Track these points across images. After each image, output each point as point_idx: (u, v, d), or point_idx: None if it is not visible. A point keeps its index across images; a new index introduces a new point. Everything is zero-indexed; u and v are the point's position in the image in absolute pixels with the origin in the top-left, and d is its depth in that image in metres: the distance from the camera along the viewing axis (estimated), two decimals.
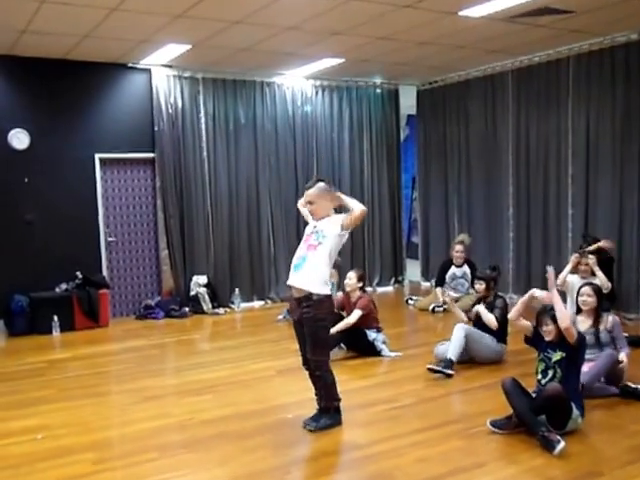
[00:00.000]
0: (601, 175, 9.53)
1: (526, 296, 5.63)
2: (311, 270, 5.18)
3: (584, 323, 6.23)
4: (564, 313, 5.13)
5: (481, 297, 7.38)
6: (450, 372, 6.73)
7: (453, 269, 10.34)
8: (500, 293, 7.69)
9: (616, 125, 9.29)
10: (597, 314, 6.22)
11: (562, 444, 4.70)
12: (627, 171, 9.18)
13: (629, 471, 4.44)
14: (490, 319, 7.07)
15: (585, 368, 6.00)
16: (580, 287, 6.40)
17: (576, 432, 5.09)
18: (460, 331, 7.01)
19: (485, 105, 11.36)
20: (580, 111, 9.76)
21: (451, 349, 6.90)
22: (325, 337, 5.39)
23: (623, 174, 9.23)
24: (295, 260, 5.35)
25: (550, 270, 5.31)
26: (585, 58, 9.62)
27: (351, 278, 7.91)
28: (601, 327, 6.17)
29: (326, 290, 5.22)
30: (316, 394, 5.51)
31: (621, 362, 6.04)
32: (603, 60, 9.39)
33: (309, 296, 5.17)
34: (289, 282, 5.35)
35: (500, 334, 7.13)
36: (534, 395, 5.20)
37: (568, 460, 4.65)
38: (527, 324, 5.52)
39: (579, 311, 6.35)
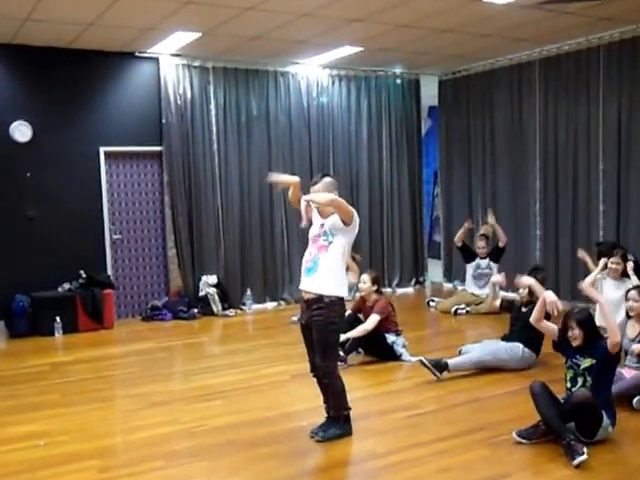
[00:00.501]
0: (634, 170, 9.48)
1: (540, 299, 5.55)
2: (325, 273, 5.15)
3: (634, 328, 6.14)
4: (613, 326, 5.09)
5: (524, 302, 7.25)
6: (437, 375, 6.78)
7: (477, 260, 10.46)
8: None
9: None
10: None
11: (584, 457, 4.66)
12: None
13: None
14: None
15: (625, 374, 5.99)
16: (627, 291, 6.30)
17: (607, 441, 5.06)
18: (476, 354, 7.06)
19: (511, 96, 11.33)
20: (611, 103, 9.72)
21: (458, 359, 6.94)
22: (335, 342, 5.37)
23: None
24: (306, 263, 5.29)
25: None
26: (617, 47, 9.58)
27: (365, 282, 7.89)
28: None
29: (340, 292, 5.20)
30: (325, 402, 5.50)
31: None
32: (636, 49, 9.35)
33: (320, 298, 5.13)
34: (301, 287, 5.33)
35: (536, 343, 7.04)
36: (563, 402, 5.17)
37: (598, 471, 4.63)
38: (552, 327, 5.50)
39: (628, 316, 6.25)
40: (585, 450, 4.73)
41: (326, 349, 5.23)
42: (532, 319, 5.57)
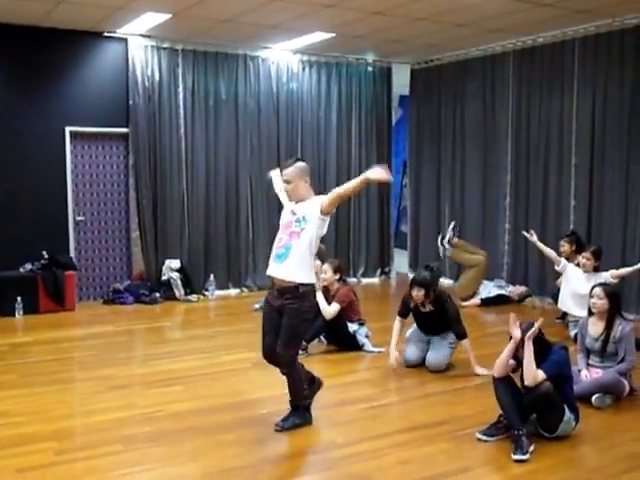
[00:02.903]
0: (606, 165, 9.55)
1: (511, 344, 5.17)
2: (297, 259, 5.12)
3: (595, 326, 6.11)
4: (530, 371, 4.96)
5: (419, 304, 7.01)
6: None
7: None
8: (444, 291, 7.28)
9: (624, 113, 9.31)
10: (610, 319, 6.03)
11: (526, 457, 4.71)
12: (634, 162, 9.21)
13: None
14: (466, 345, 6.92)
15: (587, 375, 6.03)
16: (592, 287, 6.26)
17: (569, 438, 5.11)
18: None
19: (484, 87, 11.36)
20: (585, 97, 9.77)
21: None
22: (303, 332, 5.42)
23: (630, 165, 9.26)
24: (277, 250, 5.27)
25: (536, 325, 5.07)
26: (592, 41, 9.63)
27: (326, 272, 7.80)
28: (612, 335, 5.99)
29: (312, 279, 5.22)
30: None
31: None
32: (611, 44, 9.40)
33: (296, 287, 5.11)
34: (270, 273, 5.28)
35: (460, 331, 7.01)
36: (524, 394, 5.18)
37: (557, 468, 4.68)
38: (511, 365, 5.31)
39: (590, 313, 6.24)
40: (531, 450, 4.79)
41: (292, 338, 5.21)
42: (497, 373, 5.17)
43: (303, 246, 5.14)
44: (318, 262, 7.87)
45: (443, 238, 10.82)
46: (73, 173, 10.23)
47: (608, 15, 9.09)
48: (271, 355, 5.33)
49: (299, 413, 5.40)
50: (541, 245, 8.57)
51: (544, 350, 5.13)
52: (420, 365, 6.97)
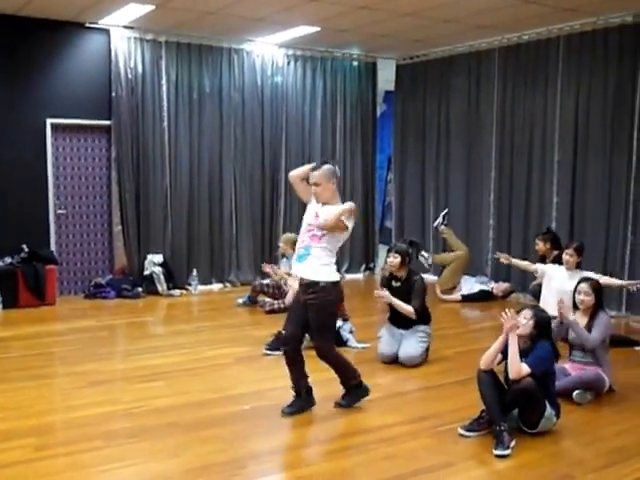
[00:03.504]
0: (589, 162, 9.62)
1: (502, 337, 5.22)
2: (316, 261, 5.39)
3: (580, 320, 6.15)
4: (514, 364, 5.02)
5: (392, 275, 7.15)
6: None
7: None
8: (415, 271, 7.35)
9: (607, 110, 9.38)
10: (593, 313, 6.11)
11: (507, 452, 4.75)
12: (616, 159, 9.29)
13: (603, 475, 4.49)
14: (408, 311, 6.95)
15: (570, 369, 6.09)
16: (578, 282, 6.31)
17: (550, 433, 5.15)
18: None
19: (469, 84, 11.40)
20: (569, 94, 9.84)
21: None
22: (332, 323, 5.73)
23: (612, 162, 9.35)
24: (298, 250, 5.53)
25: (509, 313, 5.12)
26: (577, 39, 9.70)
27: None
28: (593, 327, 6.04)
29: (333, 277, 5.47)
30: (292, 380, 5.65)
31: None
32: (595, 42, 9.47)
33: (316, 283, 5.38)
34: (294, 271, 5.65)
35: (426, 316, 7.15)
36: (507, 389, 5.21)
37: (540, 463, 4.72)
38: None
39: (576, 307, 6.28)
40: (512, 445, 4.83)
41: (323, 330, 5.51)
42: (485, 365, 5.22)
43: (322, 248, 5.41)
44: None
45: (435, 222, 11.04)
46: (54, 166, 10.18)
47: (592, 13, 9.15)
48: (289, 346, 5.61)
49: (352, 390, 5.71)
50: (515, 262, 8.69)
51: (535, 342, 5.20)
52: (395, 361, 7.00)
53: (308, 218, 5.53)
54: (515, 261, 8.66)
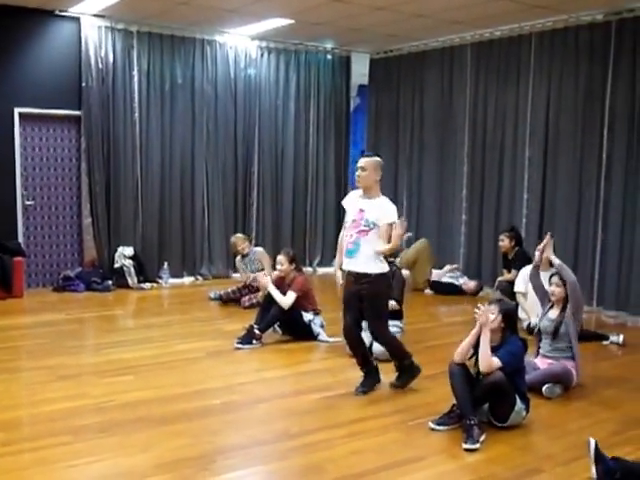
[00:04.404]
0: (560, 159, 9.71)
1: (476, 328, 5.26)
2: (366, 255, 5.75)
3: (553, 312, 6.28)
4: (486, 358, 5.07)
5: None
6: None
7: None
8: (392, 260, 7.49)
9: (578, 107, 9.46)
10: (565, 304, 6.22)
11: (476, 446, 4.81)
12: (587, 156, 9.38)
13: (571, 469, 4.54)
14: (391, 305, 7.03)
15: (539, 363, 6.16)
16: (550, 276, 6.41)
17: (520, 427, 5.21)
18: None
19: (442, 79, 11.46)
20: (541, 91, 9.93)
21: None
22: (385, 310, 6.12)
23: (583, 158, 9.43)
24: (348, 245, 5.87)
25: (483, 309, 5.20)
26: (548, 36, 9.79)
27: (282, 263, 7.82)
28: (565, 318, 6.16)
29: (383, 268, 5.83)
30: (359, 363, 6.13)
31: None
32: (567, 39, 9.56)
33: (368, 275, 5.77)
34: (345, 267, 5.95)
35: (399, 311, 7.44)
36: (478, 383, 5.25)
37: (510, 456, 4.76)
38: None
39: (549, 301, 6.37)
40: (482, 439, 4.89)
41: (378, 317, 5.96)
42: (459, 359, 5.26)
43: (371, 242, 5.75)
44: (280, 257, 7.90)
45: None
46: (22, 156, 10.08)
47: (564, 11, 9.24)
48: (350, 334, 6.05)
49: (406, 370, 6.11)
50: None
51: (505, 336, 5.26)
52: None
53: (352, 214, 5.89)
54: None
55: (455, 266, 10.90)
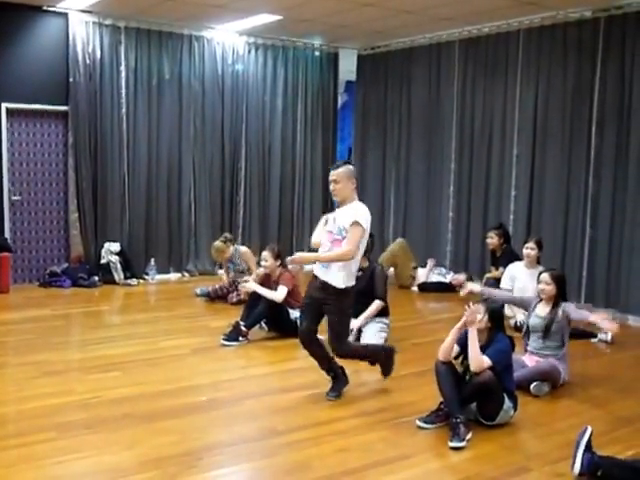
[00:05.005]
0: (548, 155, 9.70)
1: (457, 327, 5.29)
2: (337, 267, 5.51)
3: (542, 307, 6.27)
4: (476, 357, 5.08)
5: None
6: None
7: None
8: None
9: (566, 104, 9.46)
10: (556, 302, 6.20)
11: (462, 444, 4.80)
12: (575, 152, 9.37)
13: (558, 467, 4.53)
14: (376, 308, 7.23)
15: (527, 361, 6.15)
16: (540, 273, 6.40)
17: (507, 426, 5.20)
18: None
19: (429, 75, 11.44)
20: (529, 87, 9.92)
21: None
22: (347, 324, 5.85)
23: (571, 155, 9.43)
24: (321, 252, 5.66)
25: (474, 308, 5.21)
26: (536, 32, 9.77)
27: (267, 259, 7.80)
28: (557, 316, 6.14)
29: (349, 282, 5.58)
30: (323, 368, 5.91)
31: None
32: (555, 36, 9.55)
33: (333, 287, 5.52)
34: (316, 273, 5.67)
35: (385, 309, 7.41)
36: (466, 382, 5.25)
37: (497, 455, 4.76)
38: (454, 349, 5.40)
39: (539, 299, 6.36)
40: (468, 438, 4.88)
41: (340, 332, 5.69)
42: (443, 357, 5.28)
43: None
44: (265, 252, 7.88)
45: None
46: (9, 151, 10.01)
47: (552, 8, 9.23)
48: (308, 339, 5.79)
49: (384, 364, 6.06)
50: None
51: (491, 335, 5.26)
52: None
53: (329, 224, 5.70)
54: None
55: (434, 261, 10.88)
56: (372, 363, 6.12)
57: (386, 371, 6.08)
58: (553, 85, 9.62)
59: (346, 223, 5.48)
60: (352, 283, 5.61)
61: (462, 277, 10.26)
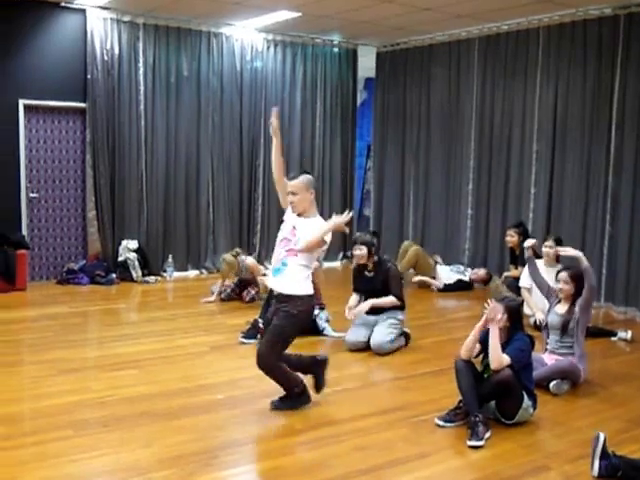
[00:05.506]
0: (567, 153, 9.64)
1: (480, 322, 5.26)
2: (292, 276, 5.26)
3: (561, 307, 6.23)
4: (497, 355, 5.05)
5: (361, 265, 7.30)
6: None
7: None
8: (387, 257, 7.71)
9: (586, 102, 9.39)
10: (574, 300, 6.16)
11: (480, 443, 4.77)
12: (594, 150, 9.32)
13: (578, 466, 4.49)
14: (391, 302, 7.10)
15: (547, 359, 6.10)
16: (558, 272, 6.36)
17: (526, 424, 5.16)
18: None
19: (449, 73, 11.39)
20: (548, 85, 9.85)
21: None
22: (291, 336, 5.35)
23: (591, 153, 9.37)
24: (274, 263, 5.40)
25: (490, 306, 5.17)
26: (556, 30, 9.71)
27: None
28: (574, 313, 6.10)
29: (308, 290, 5.31)
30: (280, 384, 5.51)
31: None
32: (575, 33, 9.49)
33: (290, 297, 5.25)
34: (269, 285, 5.55)
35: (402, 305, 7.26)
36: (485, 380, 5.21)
37: (516, 453, 4.72)
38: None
39: (557, 299, 6.31)
40: (487, 437, 4.85)
41: (278, 340, 5.28)
42: (465, 355, 5.25)
43: (299, 263, 5.27)
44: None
45: None
46: (27, 148, 10.04)
47: (572, 5, 9.16)
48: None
49: (293, 398, 5.46)
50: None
51: (511, 334, 5.22)
52: (362, 349, 7.02)
53: (285, 231, 5.41)
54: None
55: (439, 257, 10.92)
56: (286, 390, 5.50)
57: (283, 405, 5.45)
58: (573, 83, 9.55)
59: (308, 236, 5.21)
60: (309, 292, 5.31)
61: (482, 272, 10.20)
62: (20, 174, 9.94)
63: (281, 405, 5.44)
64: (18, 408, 5.44)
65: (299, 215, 5.37)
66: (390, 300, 7.08)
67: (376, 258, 7.21)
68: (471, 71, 11.01)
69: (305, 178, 5.39)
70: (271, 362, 5.30)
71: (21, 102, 9.82)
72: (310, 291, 5.36)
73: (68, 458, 4.48)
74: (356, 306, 7.22)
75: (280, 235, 5.44)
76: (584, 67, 9.38)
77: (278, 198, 10.69)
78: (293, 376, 5.46)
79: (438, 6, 9.40)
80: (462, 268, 10.69)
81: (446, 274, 10.47)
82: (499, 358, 5.02)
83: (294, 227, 5.34)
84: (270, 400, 5.46)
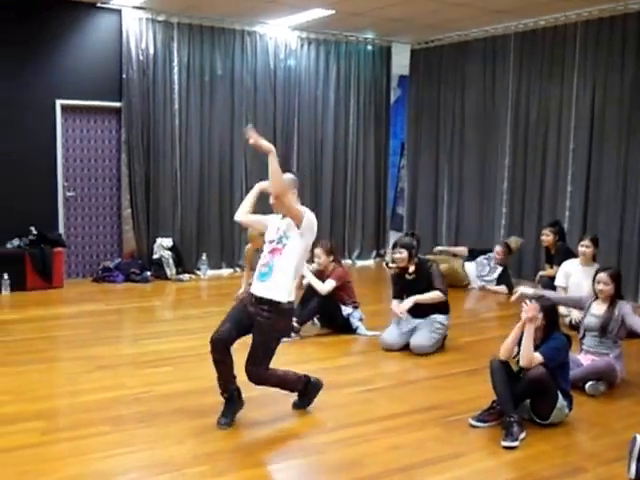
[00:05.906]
0: (605, 151, 9.55)
1: (519, 324, 5.23)
2: (278, 277, 5.00)
3: (598, 306, 6.17)
4: (527, 352, 5.03)
5: (402, 269, 7.16)
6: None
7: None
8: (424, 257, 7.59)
9: (624, 99, 9.30)
10: (613, 300, 6.10)
11: (515, 444, 4.74)
12: (633, 149, 9.23)
13: (614, 468, 4.46)
14: (436, 297, 6.98)
15: (583, 360, 6.06)
16: (596, 272, 6.29)
17: (562, 425, 5.13)
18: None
19: (484, 70, 11.32)
20: (586, 82, 9.76)
21: None
22: (274, 348, 5.13)
23: (629, 152, 9.28)
24: (260, 268, 5.14)
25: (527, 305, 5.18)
26: (595, 25, 9.61)
27: (320, 256, 7.69)
28: (614, 314, 6.03)
29: (292, 297, 5.09)
30: (221, 383, 5.26)
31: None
32: (614, 28, 9.38)
33: (271, 302, 4.99)
34: (252, 291, 5.13)
35: (445, 305, 7.15)
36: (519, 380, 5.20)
37: (551, 455, 4.69)
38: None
39: (595, 297, 6.26)
40: (522, 437, 4.83)
41: (264, 356, 5.08)
42: (504, 355, 5.22)
43: (285, 263, 5.03)
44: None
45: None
46: (64, 147, 10.17)
47: None
48: (222, 345, 5.15)
49: (306, 393, 5.41)
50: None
51: (547, 333, 5.20)
52: (397, 350, 7.00)
53: (270, 234, 5.23)
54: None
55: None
56: (292, 391, 5.43)
57: (303, 403, 5.44)
58: (611, 79, 9.45)
59: (290, 227, 5.06)
60: (292, 299, 5.08)
61: (499, 249, 10.12)
62: (57, 173, 10.08)
63: (300, 404, 5.44)
64: (55, 404, 5.52)
65: (284, 217, 5.19)
66: (435, 295, 6.95)
67: (417, 260, 7.10)
68: (507, 68, 10.93)
69: (286, 178, 5.22)
70: (263, 376, 5.14)
71: (58, 102, 9.95)
72: (292, 297, 5.09)
73: (104, 453, 4.54)
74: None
75: (266, 239, 5.26)
76: (622, 63, 9.28)
77: (311, 196, 10.76)
78: (290, 376, 5.36)
79: (473, 1, 9.36)
80: (487, 269, 10.51)
81: (473, 272, 10.39)
82: (528, 355, 5.01)
83: (279, 228, 5.17)
84: (292, 402, 5.47)
